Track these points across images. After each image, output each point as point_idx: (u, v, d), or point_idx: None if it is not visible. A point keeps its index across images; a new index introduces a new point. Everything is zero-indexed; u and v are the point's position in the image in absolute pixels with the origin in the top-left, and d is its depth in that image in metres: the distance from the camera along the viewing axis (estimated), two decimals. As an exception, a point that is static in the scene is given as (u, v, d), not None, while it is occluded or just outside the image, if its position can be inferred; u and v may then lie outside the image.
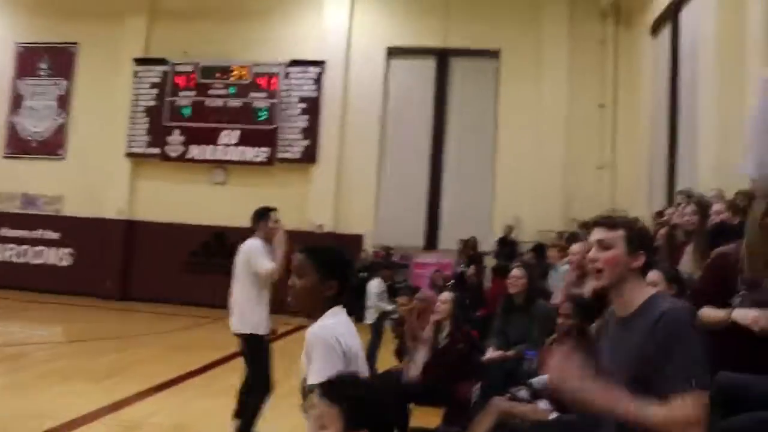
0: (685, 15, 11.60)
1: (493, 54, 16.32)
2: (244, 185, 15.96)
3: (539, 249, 9.68)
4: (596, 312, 4.10)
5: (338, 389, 1.84)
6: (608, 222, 2.25)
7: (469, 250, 13.80)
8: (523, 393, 3.96)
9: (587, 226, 9.66)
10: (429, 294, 6.24)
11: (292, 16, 16.58)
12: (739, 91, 9.02)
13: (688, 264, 4.76)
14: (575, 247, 5.75)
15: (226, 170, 16.39)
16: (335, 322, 2.33)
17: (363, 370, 2.34)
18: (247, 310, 5.26)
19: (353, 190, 15.99)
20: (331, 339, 2.25)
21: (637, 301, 2.15)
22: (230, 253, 17.08)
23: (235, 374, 7.11)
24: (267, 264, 5.26)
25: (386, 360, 7.89)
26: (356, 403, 1.80)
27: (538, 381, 4.32)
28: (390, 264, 14.36)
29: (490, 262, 14.02)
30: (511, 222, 15.07)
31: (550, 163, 15.55)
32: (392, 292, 8.96)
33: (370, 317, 8.81)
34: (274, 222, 5.53)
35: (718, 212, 4.68)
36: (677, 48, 11.85)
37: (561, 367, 2.09)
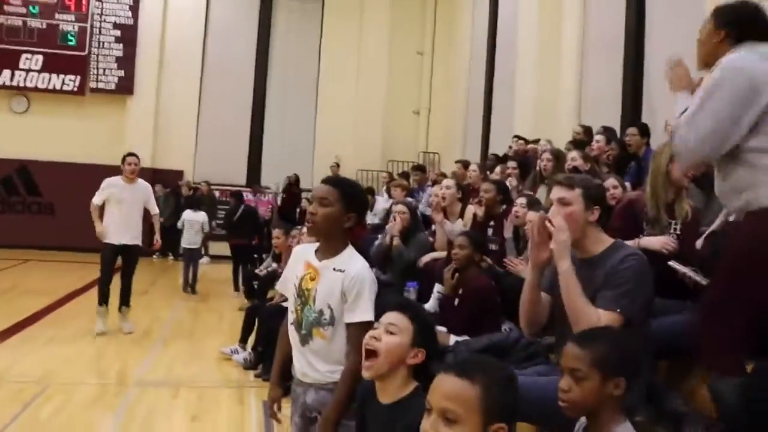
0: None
1: (318, -6, 16.39)
2: (50, 115, 14.68)
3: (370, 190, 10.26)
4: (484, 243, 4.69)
5: (416, 309, 2.16)
6: (567, 182, 2.54)
7: (294, 187, 14.08)
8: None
9: (420, 168, 10.44)
10: (302, 230, 6.48)
11: (103, -69, 15.24)
12: (555, 46, 10.08)
13: (541, 199, 5.55)
14: (436, 189, 6.31)
15: (29, 98, 14.90)
16: (366, 264, 2.52)
17: None
18: (138, 227, 7.19)
19: (173, 125, 15.37)
20: (374, 280, 2.48)
21: (600, 246, 2.50)
22: (37, 189, 15.79)
23: (78, 319, 7.32)
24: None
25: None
26: (425, 325, 2.13)
27: (428, 306, 4.86)
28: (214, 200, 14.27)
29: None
30: (334, 161, 15.49)
31: (370, 105, 16.16)
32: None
33: (194, 242, 10.53)
34: (128, 165, 7.13)
35: (574, 159, 5.43)
36: (497, 3, 12.80)
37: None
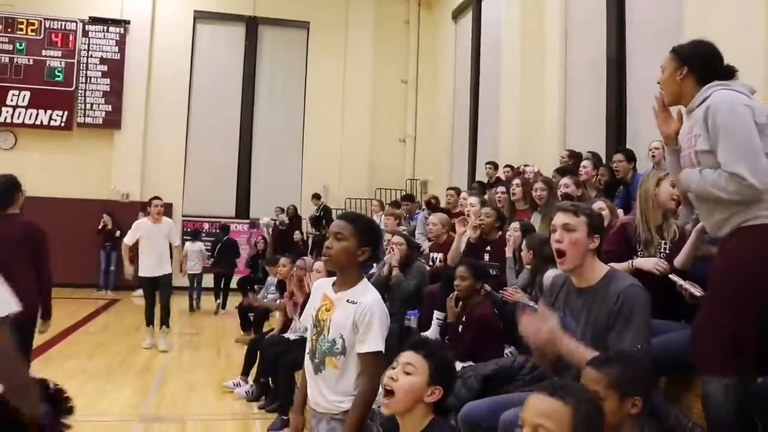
0: (486, 4, 12.82)
1: (303, 25, 16.62)
2: (38, 151, 14.66)
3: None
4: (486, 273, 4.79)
5: (433, 349, 2.22)
6: (573, 209, 2.64)
7: (291, 218, 14.16)
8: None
9: (409, 198, 10.53)
10: (308, 261, 6.57)
11: (89, -32, 15.40)
12: (538, 74, 10.33)
13: (535, 226, 5.68)
14: (434, 218, 6.43)
15: (16, 134, 14.91)
16: (379, 297, 2.60)
17: None
18: (166, 259, 8.38)
19: (161, 158, 15.42)
20: (385, 312, 2.57)
21: (596, 275, 2.60)
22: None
23: (73, 356, 7.50)
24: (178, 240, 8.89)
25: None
26: (441, 363, 2.19)
27: (429, 333, 4.97)
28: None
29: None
30: (322, 190, 15.63)
31: (357, 134, 16.35)
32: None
33: (196, 269, 12.25)
34: (155, 207, 8.36)
35: (566, 186, 5.59)
36: (479, 33, 13.08)
37: (534, 328, 2.52)
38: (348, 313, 2.53)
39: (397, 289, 5.77)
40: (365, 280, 2.65)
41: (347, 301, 2.56)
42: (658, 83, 2.87)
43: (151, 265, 8.23)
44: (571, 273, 2.67)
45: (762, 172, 2.48)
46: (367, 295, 2.57)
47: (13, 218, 4.65)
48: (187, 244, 12.17)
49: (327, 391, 2.55)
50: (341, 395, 2.53)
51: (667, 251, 3.57)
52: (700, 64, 2.73)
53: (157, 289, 8.32)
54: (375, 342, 2.48)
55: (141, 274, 8.30)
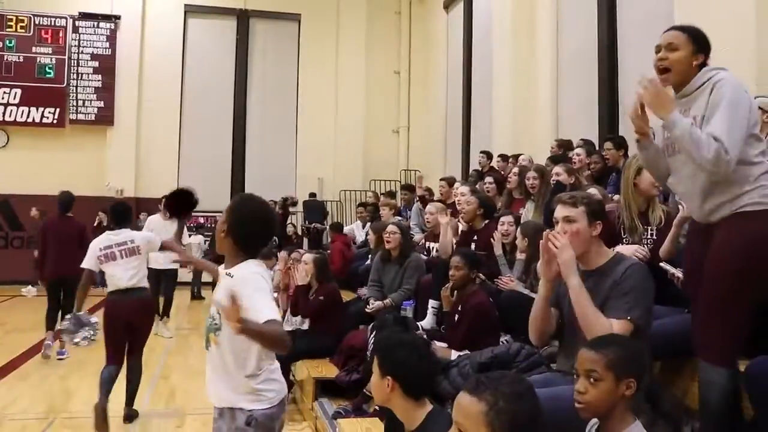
0: (478, -6, 12.81)
1: (294, 17, 16.58)
2: (30, 149, 14.68)
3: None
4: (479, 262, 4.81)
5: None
6: (571, 201, 2.68)
7: (287, 208, 14.14)
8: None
9: (408, 187, 10.55)
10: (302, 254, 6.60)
11: (77, -37, 15.32)
12: (530, 63, 10.32)
13: (528, 215, 5.71)
14: (431, 207, 6.46)
15: (8, 132, 14.86)
16: (259, 271, 2.53)
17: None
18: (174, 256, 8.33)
19: (154, 154, 15.43)
20: (260, 277, 2.47)
21: (602, 258, 2.66)
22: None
23: (71, 353, 7.21)
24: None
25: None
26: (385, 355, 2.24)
27: (425, 323, 5.00)
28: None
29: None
30: (316, 183, 15.64)
31: (350, 126, 16.35)
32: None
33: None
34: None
35: (558, 174, 5.60)
36: (471, 23, 13.07)
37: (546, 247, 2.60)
38: (225, 287, 2.44)
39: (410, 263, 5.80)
40: (251, 260, 2.56)
41: (226, 273, 2.54)
42: (663, 60, 2.68)
43: (158, 258, 8.21)
44: (578, 258, 2.68)
45: (733, 147, 2.44)
46: (243, 267, 2.51)
47: (70, 219, 7.80)
48: (191, 237, 12.88)
49: (217, 381, 2.56)
50: (232, 390, 2.51)
51: (654, 237, 3.59)
52: (707, 54, 2.69)
53: (161, 281, 8.83)
54: (268, 309, 2.35)
55: (150, 265, 8.38)
